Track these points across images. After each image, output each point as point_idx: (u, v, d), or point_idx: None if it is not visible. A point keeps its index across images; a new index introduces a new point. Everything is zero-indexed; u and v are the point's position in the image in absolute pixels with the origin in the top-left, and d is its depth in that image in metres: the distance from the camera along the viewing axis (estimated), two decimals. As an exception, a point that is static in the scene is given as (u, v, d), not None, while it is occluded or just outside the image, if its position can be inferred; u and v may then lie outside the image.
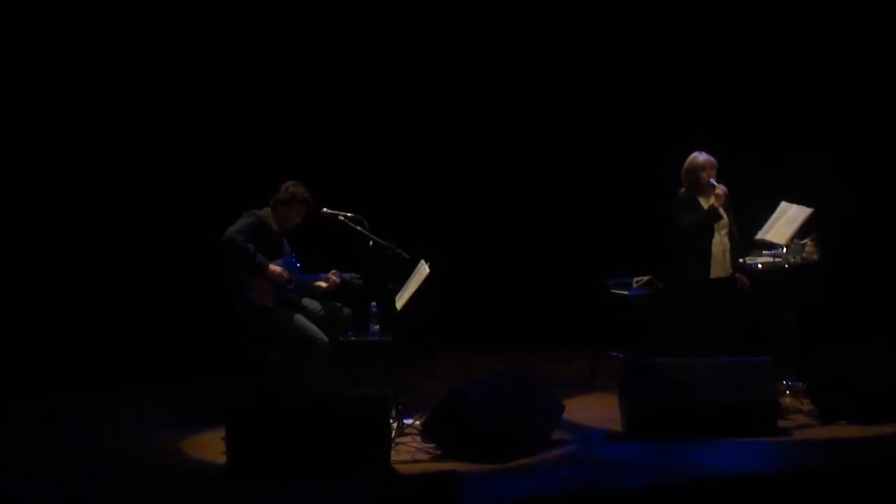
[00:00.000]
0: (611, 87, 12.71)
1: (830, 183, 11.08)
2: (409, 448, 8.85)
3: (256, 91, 11.88)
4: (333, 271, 9.46)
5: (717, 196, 9.55)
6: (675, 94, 12.36)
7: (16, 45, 11.31)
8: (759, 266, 9.96)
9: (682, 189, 9.73)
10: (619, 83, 12.69)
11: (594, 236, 12.39)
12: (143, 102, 11.62)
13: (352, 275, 9.50)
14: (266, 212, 9.33)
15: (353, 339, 9.53)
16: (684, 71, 12.37)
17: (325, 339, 9.15)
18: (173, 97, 11.70)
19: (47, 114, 11.44)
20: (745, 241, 9.90)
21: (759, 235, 10.00)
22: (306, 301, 9.38)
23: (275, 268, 9.16)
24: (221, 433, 8.57)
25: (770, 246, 9.98)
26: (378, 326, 9.58)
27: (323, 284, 9.45)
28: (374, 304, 9.58)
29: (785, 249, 9.92)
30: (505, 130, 12.64)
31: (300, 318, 9.21)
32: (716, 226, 9.64)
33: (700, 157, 9.70)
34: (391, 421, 8.74)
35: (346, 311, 9.44)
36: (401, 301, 9.27)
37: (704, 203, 9.66)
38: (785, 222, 9.89)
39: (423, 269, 9.23)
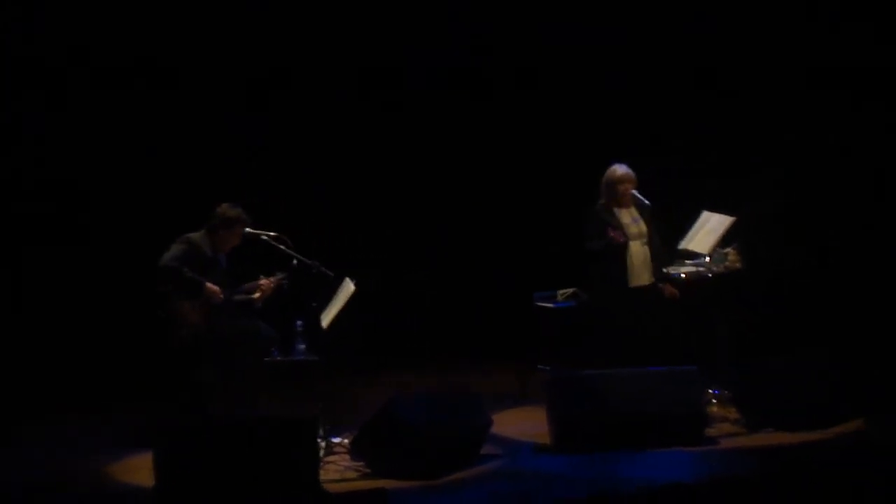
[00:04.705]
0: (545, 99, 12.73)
1: (754, 190, 11.16)
2: (338, 467, 8.81)
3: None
4: (262, 278, 9.44)
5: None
6: (605, 103, 12.37)
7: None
8: (683, 276, 9.97)
9: (602, 200, 9.78)
10: (548, 94, 12.70)
11: (521, 249, 12.40)
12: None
13: (278, 276, 9.46)
14: (198, 236, 9.28)
15: (278, 358, 9.49)
16: (610, 82, 12.42)
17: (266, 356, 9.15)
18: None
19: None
20: (668, 250, 9.95)
21: (682, 245, 10.03)
22: (231, 321, 9.33)
23: (211, 286, 9.12)
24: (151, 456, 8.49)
25: (693, 255, 10.02)
26: (304, 345, 9.53)
27: (257, 295, 9.42)
28: (299, 322, 9.52)
29: (708, 259, 9.93)
30: (427, 147, 12.63)
31: (235, 335, 9.20)
32: (634, 235, 9.71)
33: (619, 169, 9.78)
34: (319, 440, 8.71)
35: (271, 331, 9.40)
36: (326, 319, 9.24)
37: (624, 215, 9.72)
38: (707, 231, 9.92)
39: (349, 287, 9.20)
